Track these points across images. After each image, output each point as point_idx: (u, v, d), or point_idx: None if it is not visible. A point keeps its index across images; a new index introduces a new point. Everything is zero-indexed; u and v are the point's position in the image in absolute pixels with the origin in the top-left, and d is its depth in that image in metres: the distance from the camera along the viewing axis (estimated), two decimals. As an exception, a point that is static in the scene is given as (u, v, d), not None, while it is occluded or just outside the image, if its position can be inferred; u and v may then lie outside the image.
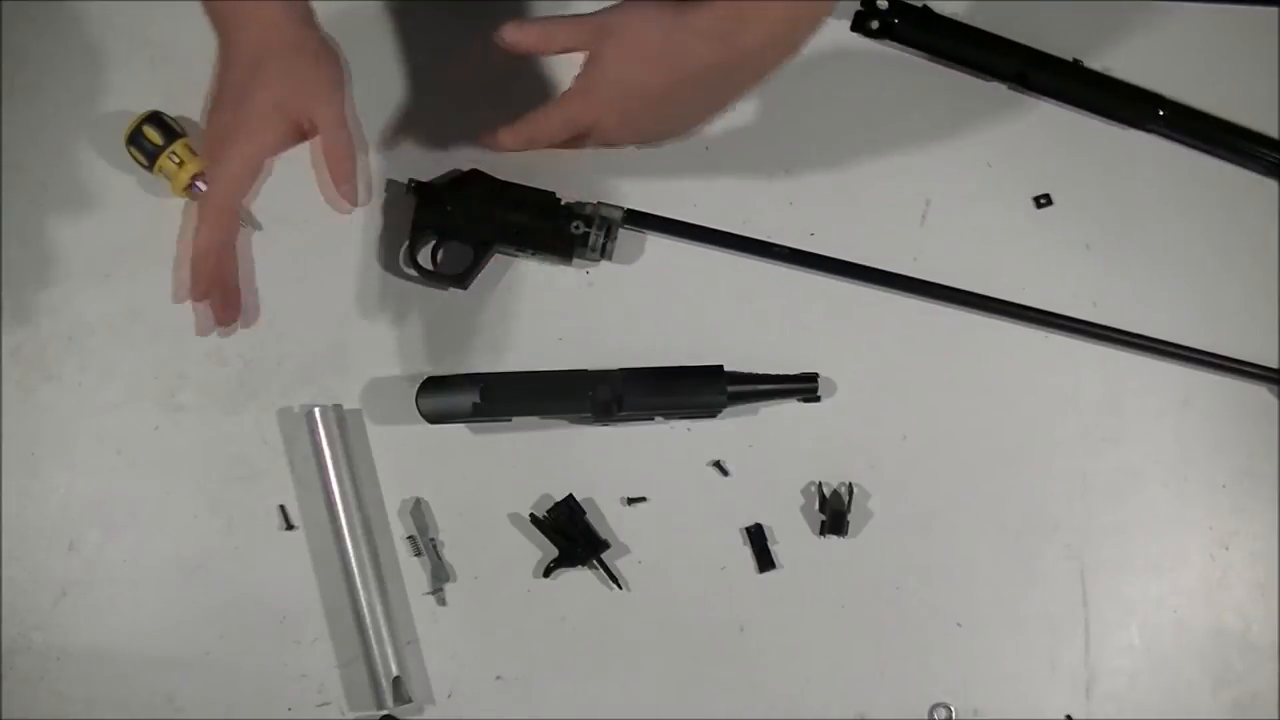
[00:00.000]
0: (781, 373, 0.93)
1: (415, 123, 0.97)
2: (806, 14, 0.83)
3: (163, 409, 0.93)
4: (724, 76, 0.87)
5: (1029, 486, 0.94)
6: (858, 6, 0.99)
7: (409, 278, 0.95)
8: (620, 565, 0.92)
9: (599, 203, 0.94)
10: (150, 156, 0.93)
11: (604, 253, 0.93)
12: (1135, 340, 0.95)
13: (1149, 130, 1.00)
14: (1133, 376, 0.96)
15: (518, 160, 0.95)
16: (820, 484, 0.93)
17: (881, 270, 0.95)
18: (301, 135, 0.92)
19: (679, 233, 0.96)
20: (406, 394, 0.91)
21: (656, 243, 0.96)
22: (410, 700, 0.89)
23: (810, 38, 0.86)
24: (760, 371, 0.93)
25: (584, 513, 0.91)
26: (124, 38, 0.98)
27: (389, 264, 0.95)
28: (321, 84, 0.91)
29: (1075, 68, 0.99)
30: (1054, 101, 1.00)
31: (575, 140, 0.92)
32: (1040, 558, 0.93)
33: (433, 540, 0.92)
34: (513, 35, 0.86)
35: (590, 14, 0.87)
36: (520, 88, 0.98)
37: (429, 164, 0.97)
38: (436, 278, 0.94)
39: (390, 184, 0.96)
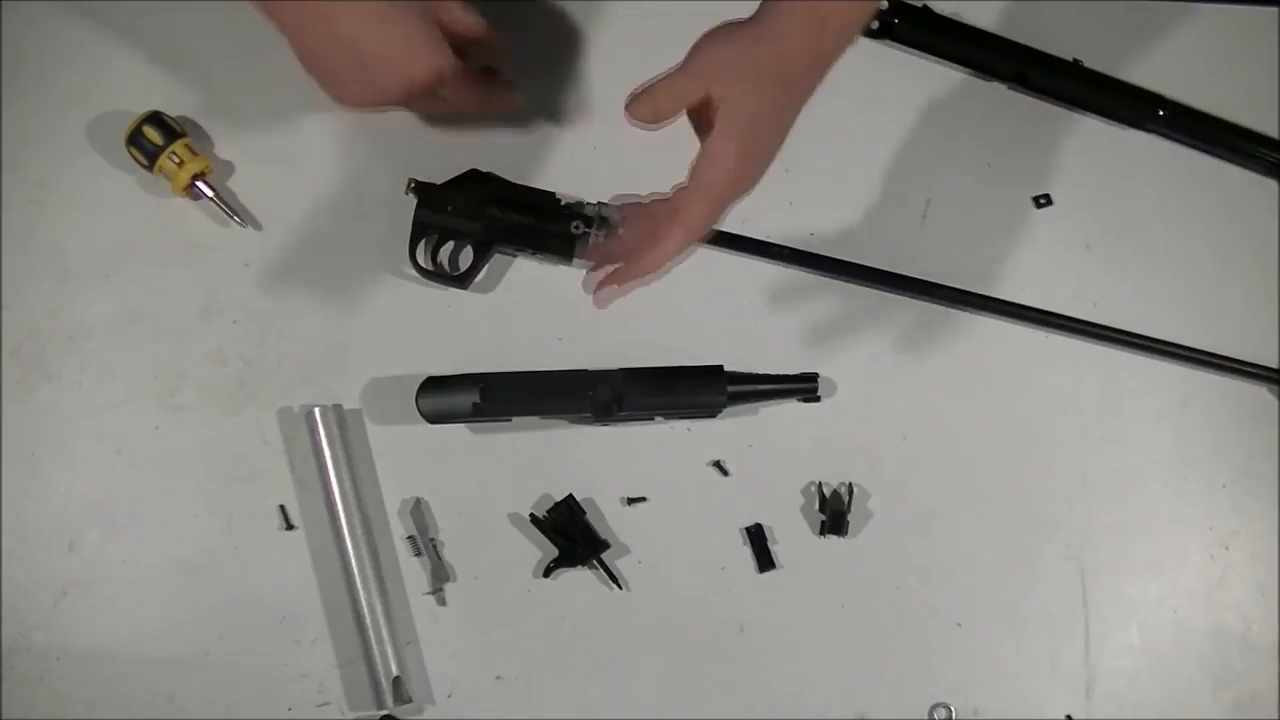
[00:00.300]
0: (781, 373, 0.93)
1: (415, 123, 0.97)
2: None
3: (163, 409, 0.93)
4: (810, 74, 0.82)
5: (1029, 486, 0.94)
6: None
7: (409, 278, 0.95)
8: (620, 565, 0.92)
9: (599, 203, 0.94)
10: (150, 156, 0.93)
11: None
12: (1135, 340, 0.95)
13: (1149, 130, 1.00)
14: (1132, 376, 0.96)
15: (517, 160, 0.96)
16: (820, 484, 0.93)
17: (881, 270, 0.95)
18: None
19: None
20: (406, 394, 0.91)
21: (656, 243, 0.96)
22: (410, 700, 0.89)
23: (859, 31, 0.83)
24: (760, 371, 0.93)
25: (584, 513, 0.91)
26: (124, 38, 0.98)
27: (389, 264, 0.95)
28: None
29: (1075, 68, 0.99)
30: (1054, 101, 1.00)
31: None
32: (1040, 558, 0.93)
33: (433, 540, 0.92)
34: (635, 110, 0.81)
35: (685, 62, 0.81)
36: (521, 88, 0.98)
37: (429, 164, 0.96)
38: (436, 277, 0.94)
39: (390, 184, 0.96)
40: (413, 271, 0.94)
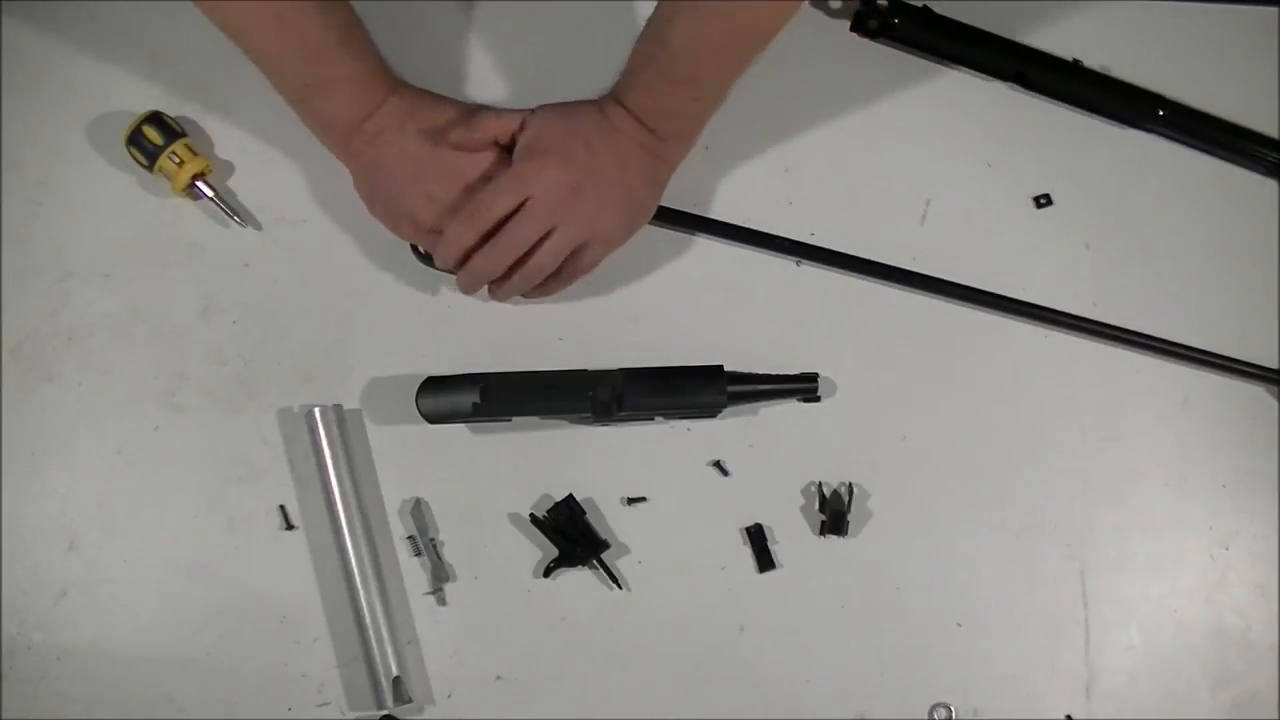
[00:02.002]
0: (781, 373, 0.93)
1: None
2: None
3: (163, 409, 0.93)
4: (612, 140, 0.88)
5: (1029, 486, 0.94)
6: (858, 6, 0.99)
7: (409, 278, 0.95)
8: (620, 565, 0.92)
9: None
10: (150, 156, 0.93)
11: None
12: (1135, 338, 0.95)
13: (1149, 130, 1.00)
14: (1133, 376, 0.96)
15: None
16: (820, 484, 0.93)
17: (882, 263, 0.95)
18: None
19: (678, 222, 0.96)
20: (406, 394, 0.91)
21: (656, 243, 0.96)
22: (410, 700, 0.89)
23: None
24: (760, 371, 0.93)
25: (584, 513, 0.91)
26: (124, 38, 0.98)
27: (389, 264, 0.95)
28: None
29: (1075, 68, 0.99)
30: (1054, 101, 1.00)
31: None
32: (1040, 558, 0.93)
33: (433, 540, 0.92)
34: (461, 137, 0.88)
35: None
36: (518, 86, 0.98)
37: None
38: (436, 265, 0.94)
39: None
40: (413, 271, 0.94)
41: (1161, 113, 0.98)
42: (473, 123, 0.88)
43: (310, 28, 0.84)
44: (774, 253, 0.96)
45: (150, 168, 0.93)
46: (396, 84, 0.89)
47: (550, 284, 0.91)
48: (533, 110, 0.89)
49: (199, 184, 0.94)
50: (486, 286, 0.90)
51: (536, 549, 0.92)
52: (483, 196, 0.86)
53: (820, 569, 0.92)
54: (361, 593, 0.89)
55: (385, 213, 0.90)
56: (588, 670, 0.91)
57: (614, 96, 0.89)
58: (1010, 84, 1.00)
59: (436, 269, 0.94)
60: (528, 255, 0.87)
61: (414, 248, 0.94)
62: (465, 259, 0.88)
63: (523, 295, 0.91)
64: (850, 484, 0.93)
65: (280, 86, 0.88)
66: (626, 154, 0.88)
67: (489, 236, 0.87)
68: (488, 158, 0.88)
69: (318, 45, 0.85)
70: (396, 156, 0.87)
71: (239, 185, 0.96)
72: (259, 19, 0.84)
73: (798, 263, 0.96)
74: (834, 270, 0.96)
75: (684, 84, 0.86)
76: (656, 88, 0.87)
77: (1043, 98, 1.00)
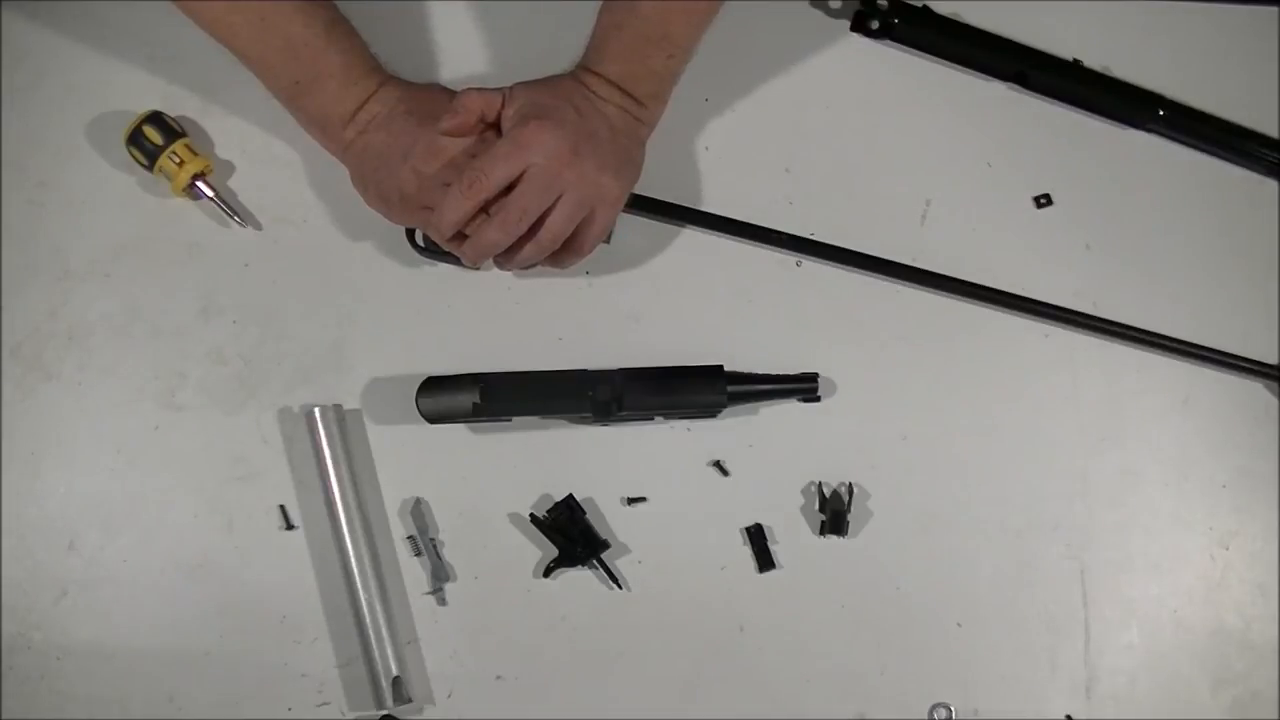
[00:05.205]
0: (781, 373, 0.93)
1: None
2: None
3: (163, 409, 0.93)
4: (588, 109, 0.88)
5: (1029, 486, 0.94)
6: (858, 6, 0.99)
7: (409, 278, 0.95)
8: (620, 565, 0.92)
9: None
10: (150, 156, 0.93)
11: (606, 239, 0.93)
12: (1135, 334, 0.95)
13: (1149, 130, 1.00)
14: (1133, 376, 0.96)
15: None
16: (820, 484, 0.93)
17: (882, 258, 0.95)
18: None
19: (677, 215, 0.96)
20: (406, 394, 0.91)
21: (656, 242, 0.96)
22: (410, 700, 0.89)
23: None
24: (760, 371, 0.93)
25: (584, 513, 0.91)
26: (124, 38, 0.98)
27: (389, 264, 0.95)
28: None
29: (1075, 68, 0.99)
30: (1054, 101, 1.00)
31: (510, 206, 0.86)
32: (1040, 558, 0.93)
33: (433, 540, 0.92)
34: (451, 122, 0.86)
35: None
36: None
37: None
38: (434, 255, 0.94)
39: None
40: (413, 271, 0.94)
41: (1161, 113, 0.98)
42: (456, 104, 0.86)
43: (294, 25, 0.86)
44: (775, 250, 0.96)
45: (150, 168, 0.93)
46: (386, 76, 0.90)
47: (565, 256, 0.90)
48: (510, 87, 0.88)
49: (199, 184, 0.94)
50: (494, 258, 0.89)
51: (536, 549, 0.92)
52: (480, 163, 0.85)
53: (820, 569, 0.92)
54: (361, 593, 0.89)
55: (378, 197, 0.90)
56: (588, 670, 0.91)
57: (586, 68, 0.90)
58: (1010, 84, 1.00)
59: (437, 257, 0.93)
60: (537, 225, 0.86)
61: (412, 240, 0.94)
62: (461, 234, 0.87)
63: (538, 266, 0.91)
64: (850, 484, 0.93)
65: (272, 87, 0.89)
66: (611, 116, 0.89)
67: (487, 208, 0.86)
68: (476, 134, 0.88)
69: (303, 42, 0.86)
70: (385, 139, 0.88)
71: (239, 185, 0.96)
72: (243, 21, 0.86)
73: (798, 263, 0.96)
74: (834, 268, 0.96)
75: (657, 43, 0.88)
76: (631, 52, 0.88)
77: (1043, 98, 1.00)
